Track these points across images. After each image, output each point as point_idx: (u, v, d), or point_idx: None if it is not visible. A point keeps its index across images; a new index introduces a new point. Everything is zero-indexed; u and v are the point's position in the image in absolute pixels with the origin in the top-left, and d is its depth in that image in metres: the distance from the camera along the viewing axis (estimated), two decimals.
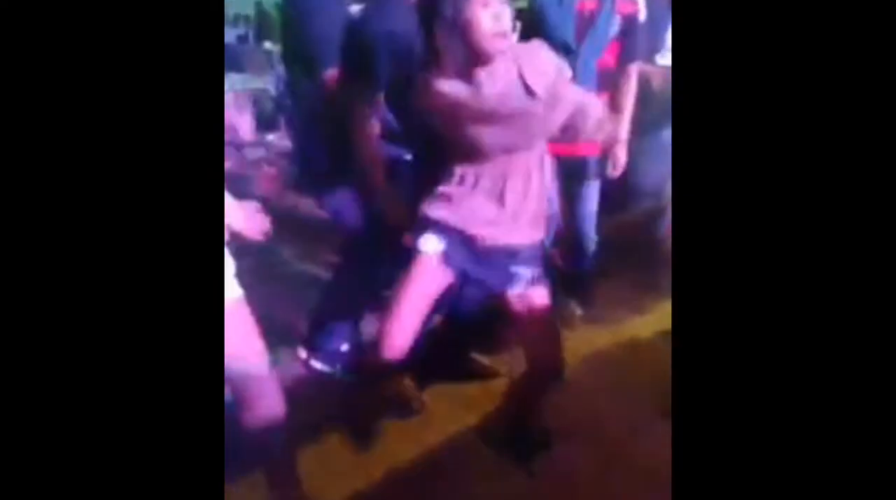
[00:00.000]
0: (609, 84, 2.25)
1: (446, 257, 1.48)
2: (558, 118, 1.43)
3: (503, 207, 1.46)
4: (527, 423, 1.78)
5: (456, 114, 1.41)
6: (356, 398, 2.03)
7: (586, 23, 2.20)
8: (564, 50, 2.21)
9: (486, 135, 1.41)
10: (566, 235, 2.66)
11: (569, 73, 1.47)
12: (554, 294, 1.93)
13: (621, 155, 2.32)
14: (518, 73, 1.38)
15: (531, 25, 2.16)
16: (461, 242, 1.48)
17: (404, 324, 1.50)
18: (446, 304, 1.66)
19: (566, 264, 2.67)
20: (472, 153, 1.45)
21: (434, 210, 1.49)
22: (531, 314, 1.54)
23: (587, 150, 2.30)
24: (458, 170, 1.48)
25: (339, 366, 2.19)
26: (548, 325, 1.60)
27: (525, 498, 1.69)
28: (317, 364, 2.19)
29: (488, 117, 1.39)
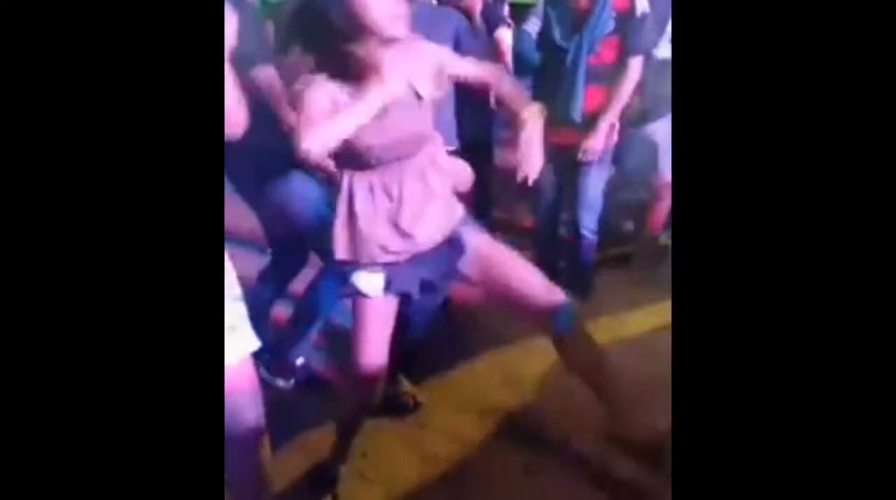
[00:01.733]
0: (605, 78, 2.28)
1: (388, 285, 1.45)
2: (445, 113, 1.41)
3: (402, 217, 1.41)
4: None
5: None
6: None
7: (581, 19, 2.23)
8: (557, 46, 2.25)
9: (376, 144, 1.35)
10: (566, 226, 2.67)
11: (451, 58, 1.45)
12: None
13: (596, 142, 2.33)
14: (406, 79, 1.35)
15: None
16: (388, 267, 1.44)
17: (373, 352, 1.48)
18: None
19: (566, 256, 2.66)
20: (362, 163, 1.39)
21: (340, 254, 1.44)
22: (488, 264, 1.49)
23: (571, 140, 2.32)
24: (346, 180, 1.42)
25: (293, 381, 2.16)
26: (512, 260, 1.53)
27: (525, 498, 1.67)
28: (274, 380, 2.15)
29: (379, 128, 1.33)
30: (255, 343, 1.21)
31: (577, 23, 2.25)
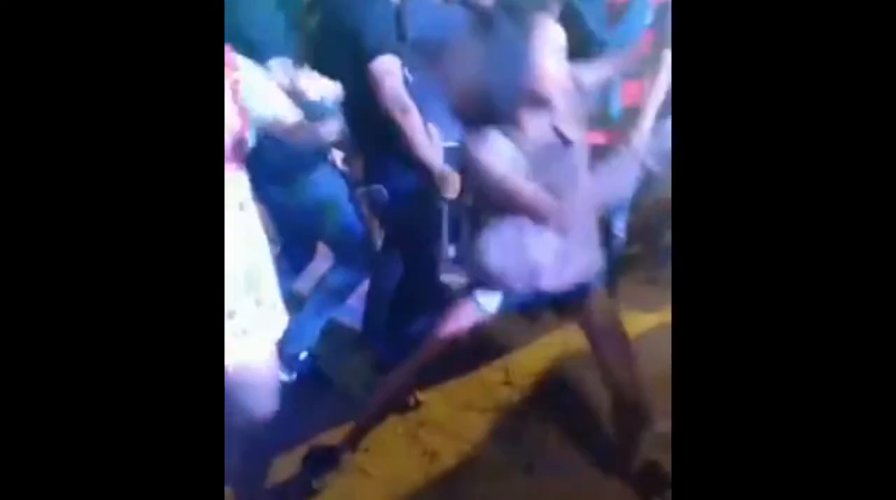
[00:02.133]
0: (641, 72, 2.23)
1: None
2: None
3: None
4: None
5: None
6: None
7: (618, 13, 2.20)
8: (596, 41, 2.20)
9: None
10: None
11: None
12: None
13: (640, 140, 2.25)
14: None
15: (563, 17, 2.14)
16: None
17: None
18: None
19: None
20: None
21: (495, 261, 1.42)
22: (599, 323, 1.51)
23: (610, 138, 2.26)
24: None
25: (295, 375, 2.17)
26: (618, 335, 1.55)
27: (525, 498, 1.68)
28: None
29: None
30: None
31: (615, 16, 2.20)
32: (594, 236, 1.47)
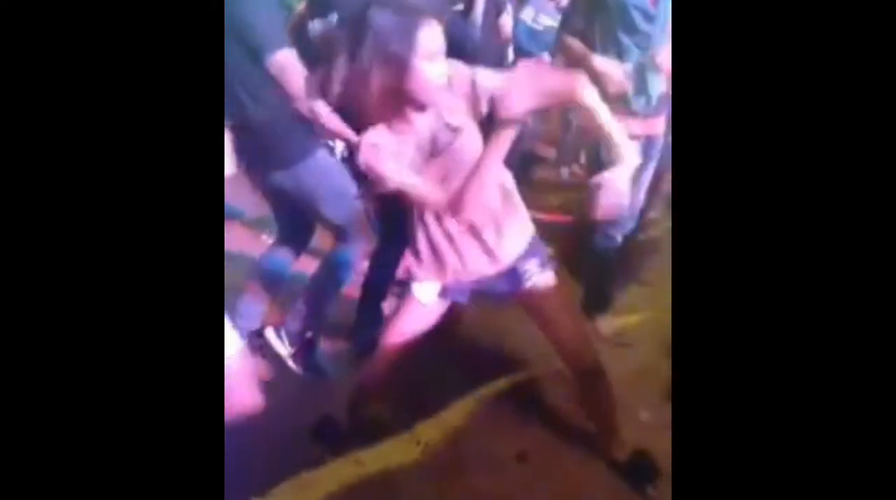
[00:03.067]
0: None
1: (443, 293, 1.48)
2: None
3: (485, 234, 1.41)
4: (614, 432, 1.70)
5: None
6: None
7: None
8: (644, 15, 2.10)
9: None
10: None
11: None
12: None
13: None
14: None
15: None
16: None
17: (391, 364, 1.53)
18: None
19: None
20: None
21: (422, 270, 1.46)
22: (543, 303, 1.51)
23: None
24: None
25: (294, 349, 2.19)
26: (564, 309, 1.56)
27: (519, 488, 1.69)
28: (275, 341, 2.18)
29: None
30: None
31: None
32: (515, 218, 1.45)
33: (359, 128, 1.40)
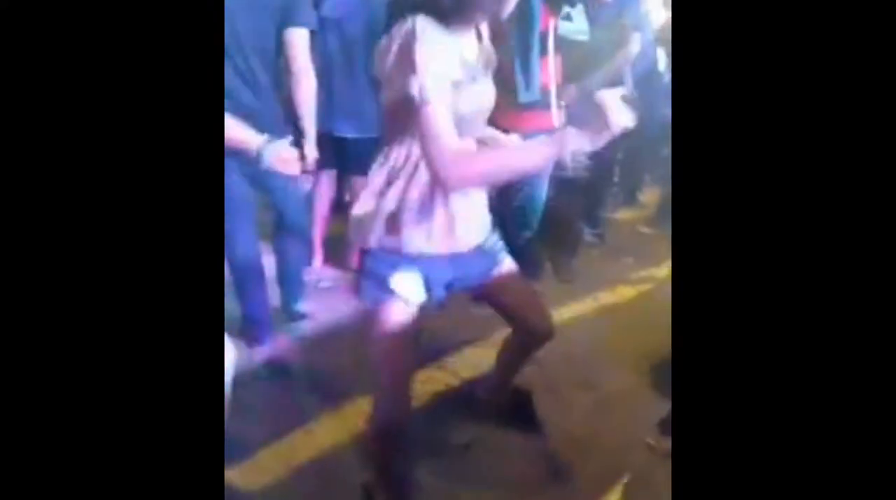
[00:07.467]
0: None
1: (427, 286, 1.36)
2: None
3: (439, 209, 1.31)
4: (509, 384, 1.81)
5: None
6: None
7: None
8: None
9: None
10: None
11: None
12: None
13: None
14: None
15: None
16: (431, 265, 1.34)
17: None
18: None
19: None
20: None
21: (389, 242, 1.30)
22: (510, 283, 1.51)
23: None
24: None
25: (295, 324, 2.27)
26: (527, 288, 1.63)
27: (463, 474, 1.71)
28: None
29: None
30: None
31: None
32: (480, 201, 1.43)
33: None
